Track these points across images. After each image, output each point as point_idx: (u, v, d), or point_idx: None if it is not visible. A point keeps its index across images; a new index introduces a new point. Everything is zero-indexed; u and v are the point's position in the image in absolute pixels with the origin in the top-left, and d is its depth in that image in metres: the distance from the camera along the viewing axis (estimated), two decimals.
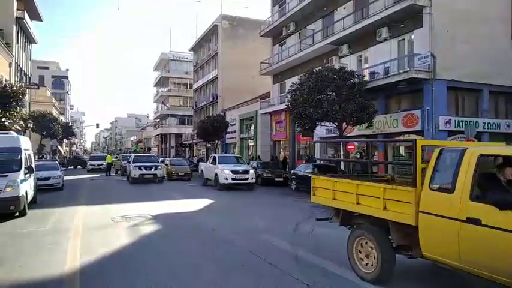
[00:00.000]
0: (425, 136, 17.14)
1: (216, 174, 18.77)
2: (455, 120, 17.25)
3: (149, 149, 76.24)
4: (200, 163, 24.18)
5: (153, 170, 22.12)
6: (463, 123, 17.12)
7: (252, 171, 19.08)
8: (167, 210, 12.02)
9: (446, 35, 16.99)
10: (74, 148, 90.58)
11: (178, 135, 61.12)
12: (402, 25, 18.32)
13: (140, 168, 21.89)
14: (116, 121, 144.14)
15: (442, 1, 17.07)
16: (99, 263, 6.29)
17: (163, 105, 65.26)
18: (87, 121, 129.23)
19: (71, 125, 61.47)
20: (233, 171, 18.37)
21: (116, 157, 48.01)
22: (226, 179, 18.24)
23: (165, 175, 24.39)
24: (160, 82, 65.60)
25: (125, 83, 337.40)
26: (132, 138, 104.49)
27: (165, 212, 11.61)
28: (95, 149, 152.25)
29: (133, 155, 26.80)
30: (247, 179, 18.59)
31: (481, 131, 17.62)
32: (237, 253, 6.91)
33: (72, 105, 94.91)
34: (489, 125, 18.07)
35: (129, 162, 23.00)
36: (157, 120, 71.11)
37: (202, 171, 21.87)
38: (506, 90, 18.70)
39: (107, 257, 6.62)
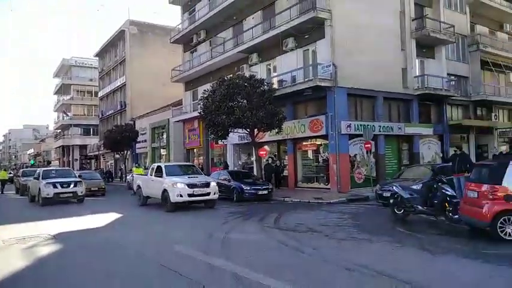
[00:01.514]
0: (330, 140, 18.33)
1: (165, 191, 13.89)
2: (355, 125, 18.68)
3: (49, 162, 69.89)
4: (135, 176, 18.99)
5: (71, 186, 17.76)
6: (362, 127, 18.63)
7: (213, 183, 14.51)
8: (71, 227, 11.08)
9: (345, 46, 18.37)
10: None
11: (83, 147, 57.13)
12: (306, 36, 19.41)
13: (55, 186, 17.33)
14: (9, 133, 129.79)
15: (341, 15, 18.44)
16: None
17: (65, 115, 60.49)
18: None
19: None
20: (189, 185, 13.73)
21: (12, 173, 43.12)
22: (181, 195, 13.51)
23: None
24: (62, 90, 60.77)
25: (20, 92, 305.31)
26: (29, 152, 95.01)
27: (68, 230, 10.69)
28: None
29: (41, 169, 21.25)
30: (208, 194, 14.01)
31: (377, 134, 19.34)
32: (147, 267, 6.62)
33: None
34: (384, 128, 19.91)
35: (37, 179, 18.43)
36: (58, 131, 65.66)
37: (139, 186, 16.62)
38: (397, 96, 20.82)
39: None
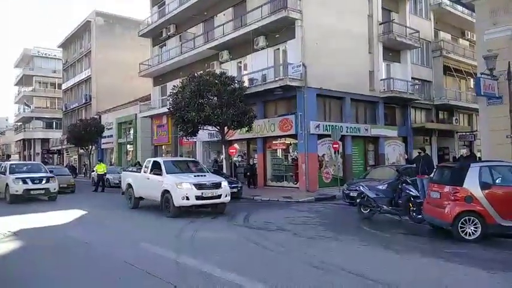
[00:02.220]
0: (299, 140, 18.53)
1: (167, 192, 11.63)
2: (323, 125, 18.97)
3: (8, 156, 66.78)
4: (124, 173, 16.30)
5: (43, 182, 16.27)
6: (330, 127, 18.94)
7: (225, 183, 12.19)
8: (32, 224, 10.62)
9: (315, 47, 18.62)
10: None
11: (45, 141, 54.98)
12: (277, 35, 19.49)
13: (25, 182, 15.79)
14: None
15: (311, 16, 18.65)
16: None
17: (26, 107, 57.93)
18: None
19: None
20: (197, 186, 11.44)
21: None
22: (187, 198, 11.23)
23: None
24: (23, 81, 58.12)
25: None
26: None
27: (28, 226, 10.24)
28: None
29: (8, 163, 19.31)
30: (219, 196, 11.72)
31: (344, 135, 19.72)
32: (113, 266, 6.44)
33: None
34: (351, 129, 20.33)
35: (3, 174, 16.74)
36: (18, 124, 62.85)
37: (130, 186, 14.09)
38: (364, 98, 21.32)
39: None
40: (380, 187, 11.52)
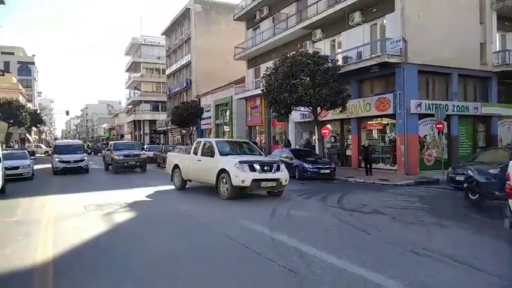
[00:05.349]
0: (397, 119, 17.53)
1: None
2: (425, 104, 17.66)
3: (122, 136, 74.85)
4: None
5: (273, 171, 11.28)
6: (433, 106, 17.56)
7: None
8: (143, 197, 11.85)
9: (417, 19, 17.25)
10: (43, 136, 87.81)
11: (152, 122, 60.24)
12: (374, 9, 18.47)
13: (252, 168, 10.90)
14: (86, 108, 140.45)
15: None
16: (73, 253, 6.13)
17: (135, 91, 63.94)
18: (57, 108, 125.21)
19: (40, 113, 59.39)
20: None
21: (95, 145, 47.01)
22: None
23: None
24: (132, 67, 64.13)
25: (96, 69, 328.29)
26: (104, 126, 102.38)
27: (140, 199, 11.45)
28: (65, 137, 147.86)
29: (212, 139, 13.75)
30: None
31: (450, 114, 18.17)
32: (215, 239, 6.90)
33: (40, 92, 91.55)
34: (458, 107, 18.62)
35: (210, 155, 12.00)
36: (129, 107, 69.76)
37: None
38: (474, 74, 19.29)
39: (81, 247, 6.47)
40: (492, 171, 10.40)
